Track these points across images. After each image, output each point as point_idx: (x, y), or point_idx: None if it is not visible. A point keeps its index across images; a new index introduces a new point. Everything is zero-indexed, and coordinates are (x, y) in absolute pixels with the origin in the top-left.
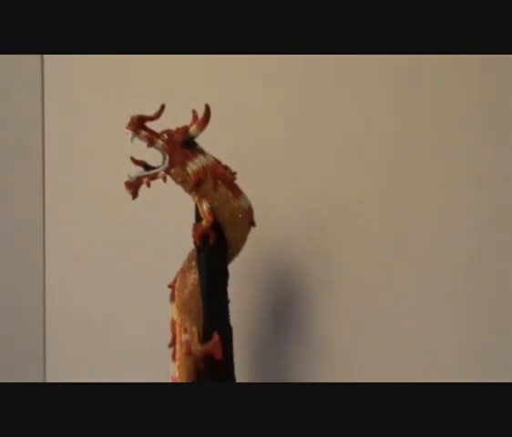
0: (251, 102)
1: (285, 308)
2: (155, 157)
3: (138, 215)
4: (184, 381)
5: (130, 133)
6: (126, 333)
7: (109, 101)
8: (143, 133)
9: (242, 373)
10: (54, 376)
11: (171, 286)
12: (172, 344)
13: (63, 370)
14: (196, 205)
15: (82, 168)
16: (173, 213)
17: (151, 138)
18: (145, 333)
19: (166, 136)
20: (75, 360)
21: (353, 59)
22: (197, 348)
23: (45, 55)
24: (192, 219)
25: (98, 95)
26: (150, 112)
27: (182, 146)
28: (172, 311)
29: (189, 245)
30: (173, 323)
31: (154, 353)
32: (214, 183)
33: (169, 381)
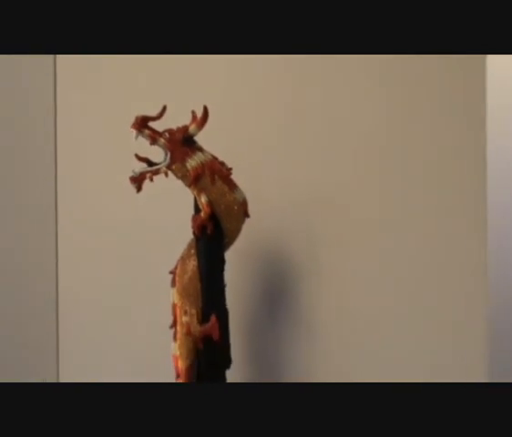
0: (246, 102)
1: (277, 292)
2: (157, 154)
3: (141, 208)
4: (184, 359)
5: (135, 132)
6: (133, 321)
7: (117, 100)
8: (146, 132)
9: (238, 352)
10: (67, 376)
11: (172, 272)
12: (173, 325)
13: (76, 370)
14: (195, 198)
15: (91, 164)
16: (174, 205)
17: (154, 137)
18: (149, 317)
19: (167, 134)
20: (87, 361)
21: (344, 60)
22: (196, 329)
23: (57, 55)
24: (191, 211)
25: (106, 94)
26: (153, 112)
27: (182, 143)
28: (173, 295)
29: (188, 235)
30: (174, 306)
31: (157, 337)
32: (211, 178)
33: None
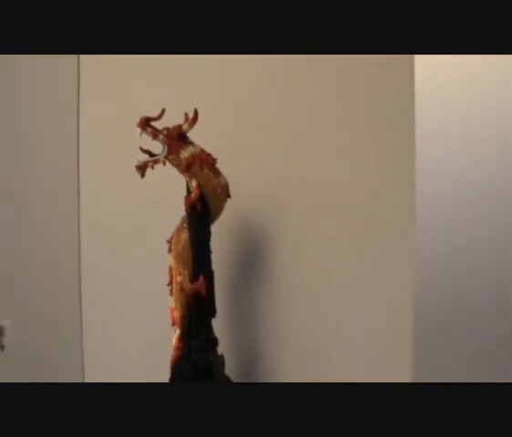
0: (241, 101)
1: (253, 257)
2: (157, 147)
3: (147, 193)
4: (178, 310)
5: (139, 130)
6: (156, 320)
7: (137, 101)
8: (149, 129)
9: (220, 304)
10: (92, 377)
11: (169, 241)
12: (170, 283)
13: (100, 371)
14: (187, 182)
15: (109, 157)
16: (170, 188)
17: (155, 133)
18: (152, 281)
19: (165, 131)
20: (111, 362)
21: (326, 59)
22: (188, 286)
23: (81, 55)
24: (184, 193)
25: (128, 93)
26: (155, 113)
27: (177, 139)
28: (170, 260)
29: (181, 211)
30: (170, 268)
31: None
32: (200, 166)
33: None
